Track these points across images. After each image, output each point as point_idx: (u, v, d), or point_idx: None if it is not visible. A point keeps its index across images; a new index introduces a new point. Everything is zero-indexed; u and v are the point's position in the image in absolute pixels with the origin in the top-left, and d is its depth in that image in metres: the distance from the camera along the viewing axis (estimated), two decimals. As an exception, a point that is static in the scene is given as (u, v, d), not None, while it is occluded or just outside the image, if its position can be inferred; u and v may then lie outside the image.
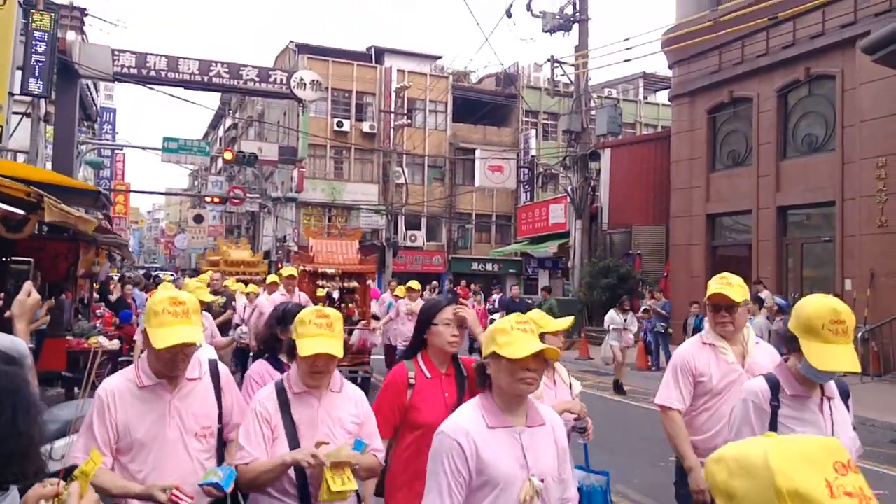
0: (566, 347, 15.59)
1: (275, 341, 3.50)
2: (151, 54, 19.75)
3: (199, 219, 43.65)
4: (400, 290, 11.87)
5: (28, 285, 2.86)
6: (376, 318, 11.42)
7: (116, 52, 19.21)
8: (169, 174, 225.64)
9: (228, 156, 25.07)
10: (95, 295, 14.68)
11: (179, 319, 2.56)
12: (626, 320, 12.96)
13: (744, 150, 17.54)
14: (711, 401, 3.47)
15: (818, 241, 15.88)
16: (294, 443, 2.59)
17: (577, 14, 20.43)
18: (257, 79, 20.49)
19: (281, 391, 2.69)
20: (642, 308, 15.51)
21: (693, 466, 3.38)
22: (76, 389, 8.25)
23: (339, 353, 2.56)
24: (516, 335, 2.18)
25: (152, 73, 19.66)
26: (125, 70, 19.44)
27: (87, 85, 22.03)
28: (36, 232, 9.68)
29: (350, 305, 10.81)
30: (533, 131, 32.76)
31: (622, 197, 21.36)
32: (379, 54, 33.79)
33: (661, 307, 15.23)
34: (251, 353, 9.49)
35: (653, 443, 8.38)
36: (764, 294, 12.91)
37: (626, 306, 13.24)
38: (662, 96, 35.27)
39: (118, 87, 31.81)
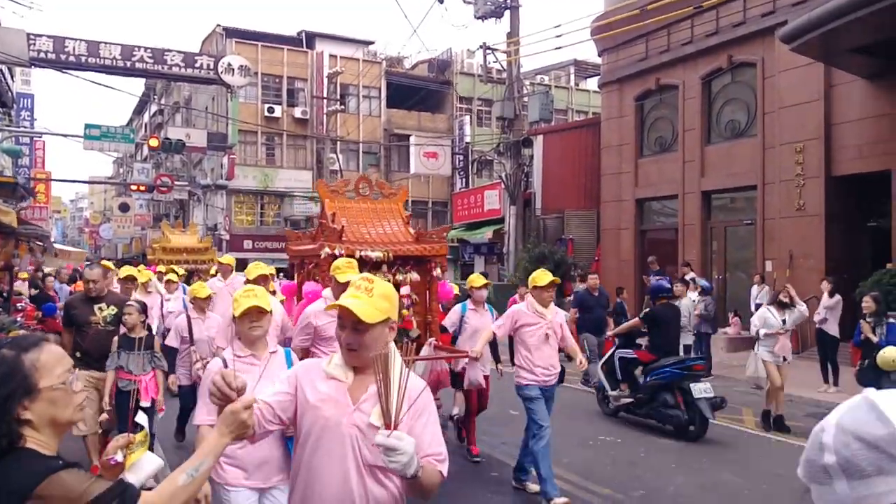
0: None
1: None
2: (70, 38, 19.00)
3: (124, 207, 42.17)
4: (476, 280, 7.65)
5: None
6: (444, 330, 7.29)
7: (32, 37, 18.42)
8: (92, 162, 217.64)
9: (154, 143, 24.24)
10: (31, 290, 14.09)
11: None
12: (785, 321, 8.52)
13: (670, 137, 18.01)
14: None
15: (741, 224, 16.48)
16: None
17: (508, 0, 20.52)
18: (183, 64, 19.97)
19: None
20: (574, 291, 15.77)
21: None
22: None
23: None
24: None
25: (71, 59, 18.95)
26: (42, 55, 18.66)
27: (0, 70, 20.99)
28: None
29: (405, 312, 6.28)
30: (467, 118, 32.85)
31: (554, 183, 21.68)
32: (310, 39, 33.21)
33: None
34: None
35: (582, 423, 8.61)
36: (690, 276, 13.32)
37: (786, 298, 8.69)
38: (593, 83, 35.82)
39: (35, 72, 30.38)
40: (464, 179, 31.53)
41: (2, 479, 1.62)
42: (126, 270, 8.12)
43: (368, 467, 2.19)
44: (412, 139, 31.78)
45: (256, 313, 3.39)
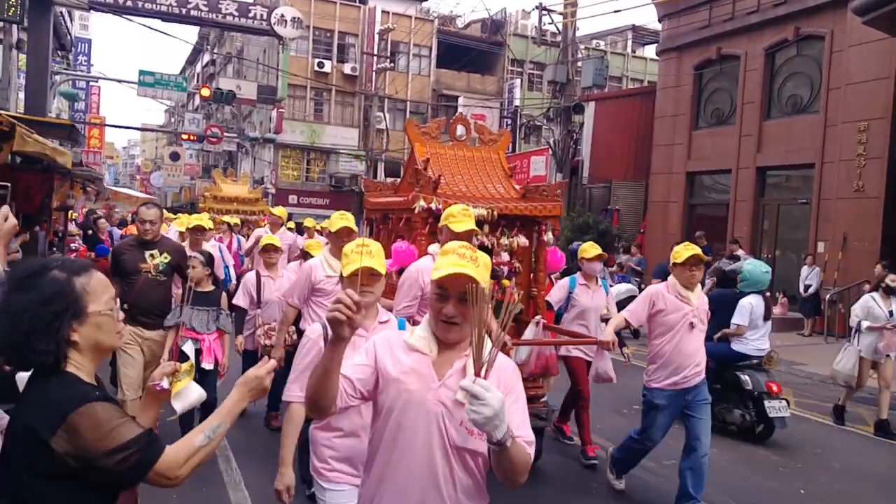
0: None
1: None
2: (128, -17, 19.08)
3: (175, 157, 42.93)
4: (589, 249, 6.34)
5: (6, 209, 2.75)
6: (549, 307, 6.16)
7: (91, -21, 18.56)
8: (145, 110, 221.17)
9: (206, 92, 24.51)
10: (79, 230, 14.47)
11: None
12: (892, 313, 7.38)
13: (728, 109, 17.49)
14: None
15: (795, 202, 16.02)
16: None
17: (568, -39, 19.99)
18: (236, 13, 19.93)
19: None
20: (617, 263, 15.61)
21: None
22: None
23: None
24: None
25: (128, 3, 19.04)
26: (100, -2, 18.82)
27: (61, 13, 21.28)
28: (8, 162, 9.44)
29: (506, 282, 5.32)
30: (518, 81, 32.38)
31: (604, 151, 21.29)
32: (363, -7, 32.98)
33: (636, 263, 15.35)
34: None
35: (617, 393, 8.53)
36: (739, 252, 13.02)
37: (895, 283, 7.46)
38: (651, 50, 34.92)
39: (93, 16, 30.77)
40: (511, 144, 31.20)
41: (46, 397, 1.65)
42: (197, 219, 7.12)
43: (455, 449, 2.03)
44: (460, 100, 31.52)
45: (368, 276, 2.75)
